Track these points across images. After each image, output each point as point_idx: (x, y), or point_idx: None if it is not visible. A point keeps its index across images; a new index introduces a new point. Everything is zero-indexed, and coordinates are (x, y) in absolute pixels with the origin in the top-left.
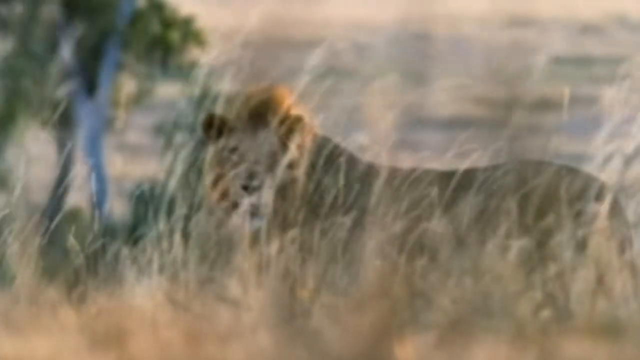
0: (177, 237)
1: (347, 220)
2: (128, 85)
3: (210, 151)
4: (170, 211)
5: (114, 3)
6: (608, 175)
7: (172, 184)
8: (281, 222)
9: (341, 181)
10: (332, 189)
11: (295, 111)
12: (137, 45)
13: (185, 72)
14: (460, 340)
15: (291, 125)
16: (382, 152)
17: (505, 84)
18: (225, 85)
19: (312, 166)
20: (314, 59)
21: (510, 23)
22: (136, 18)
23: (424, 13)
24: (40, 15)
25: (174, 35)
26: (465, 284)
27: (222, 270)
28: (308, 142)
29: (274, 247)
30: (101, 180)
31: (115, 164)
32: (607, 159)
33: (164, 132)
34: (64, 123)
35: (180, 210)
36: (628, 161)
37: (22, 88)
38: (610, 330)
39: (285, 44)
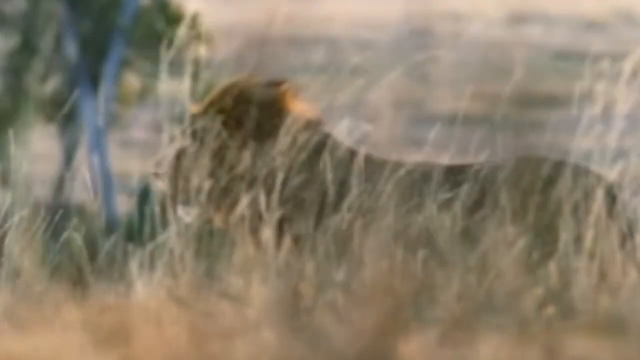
0: (177, 235)
1: (346, 215)
2: (132, 82)
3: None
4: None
5: (119, 0)
6: (610, 172)
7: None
8: (278, 220)
9: (339, 175)
10: (331, 184)
11: (290, 109)
12: (142, 42)
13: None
14: (464, 336)
15: (281, 123)
16: (385, 147)
17: (508, 80)
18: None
19: (310, 161)
20: (317, 55)
21: (513, 19)
22: (140, 15)
23: (426, 10)
24: (44, 11)
25: (178, 33)
26: (469, 280)
27: (225, 267)
28: (304, 138)
29: (271, 244)
30: (105, 176)
31: (120, 161)
32: (609, 155)
33: (162, 128)
34: (68, 120)
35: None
36: (630, 157)
37: (25, 85)
38: (614, 326)
39: (288, 40)
